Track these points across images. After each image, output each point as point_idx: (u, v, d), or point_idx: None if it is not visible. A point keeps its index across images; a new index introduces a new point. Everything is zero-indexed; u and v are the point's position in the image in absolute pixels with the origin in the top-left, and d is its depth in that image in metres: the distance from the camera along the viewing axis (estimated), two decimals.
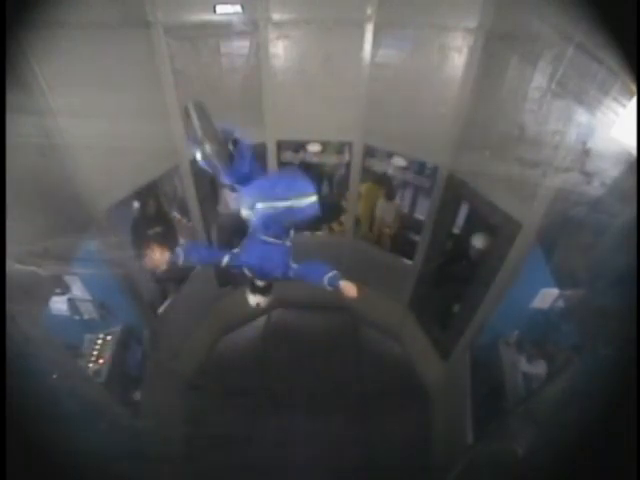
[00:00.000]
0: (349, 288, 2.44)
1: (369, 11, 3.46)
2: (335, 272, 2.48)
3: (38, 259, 2.10)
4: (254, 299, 2.91)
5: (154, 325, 4.01)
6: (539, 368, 3.32)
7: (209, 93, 3.65)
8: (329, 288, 2.46)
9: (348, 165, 4.66)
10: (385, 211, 5.23)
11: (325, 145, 4.72)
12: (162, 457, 3.81)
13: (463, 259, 4.37)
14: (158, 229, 4.57)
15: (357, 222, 5.21)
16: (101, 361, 3.36)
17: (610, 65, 1.90)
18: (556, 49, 2.34)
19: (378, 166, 4.65)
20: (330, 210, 5.37)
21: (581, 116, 2.27)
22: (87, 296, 3.37)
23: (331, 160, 4.82)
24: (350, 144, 4.41)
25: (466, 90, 3.31)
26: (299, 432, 4.53)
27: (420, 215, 5.64)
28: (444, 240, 4.27)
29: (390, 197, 5.22)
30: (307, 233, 5.25)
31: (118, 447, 2.99)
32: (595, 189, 2.25)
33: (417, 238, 4.72)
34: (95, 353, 3.42)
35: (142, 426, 3.35)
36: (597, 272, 2.06)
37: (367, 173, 4.77)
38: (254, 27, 3.53)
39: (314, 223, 4.65)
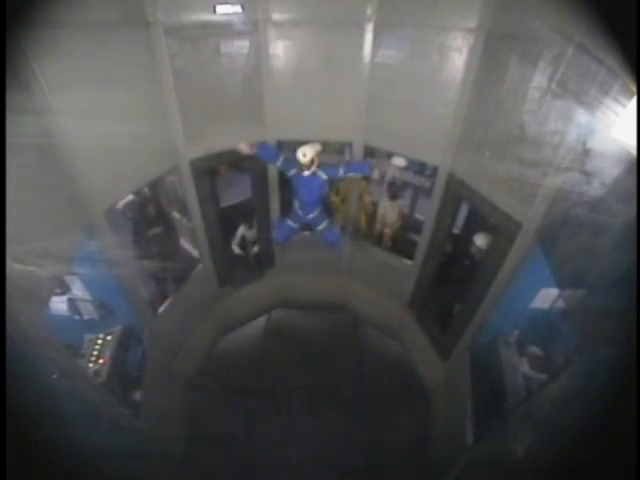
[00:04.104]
0: None
1: (369, 11, 3.46)
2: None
3: (38, 259, 2.10)
4: None
5: (154, 325, 4.01)
6: (540, 371, 3.31)
7: (209, 93, 3.66)
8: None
9: None
10: (387, 211, 5.23)
11: (325, 145, 4.72)
12: (162, 457, 3.81)
13: (463, 259, 4.37)
14: (158, 229, 4.57)
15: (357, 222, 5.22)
16: (101, 361, 3.36)
17: (610, 65, 1.90)
18: (556, 49, 2.34)
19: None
20: None
21: (581, 116, 2.27)
22: (87, 296, 3.37)
23: (331, 160, 4.82)
24: (350, 144, 4.41)
25: (466, 90, 3.31)
26: (299, 432, 4.53)
27: (420, 215, 5.65)
28: (444, 240, 4.27)
29: (393, 197, 5.22)
30: (307, 233, 5.25)
31: (118, 447, 2.99)
32: (595, 189, 2.24)
33: (417, 238, 4.72)
34: (95, 353, 3.41)
35: (142, 426, 3.35)
36: (597, 272, 2.06)
37: None
38: (254, 27, 3.53)
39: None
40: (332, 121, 4.12)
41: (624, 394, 1.45)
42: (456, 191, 3.71)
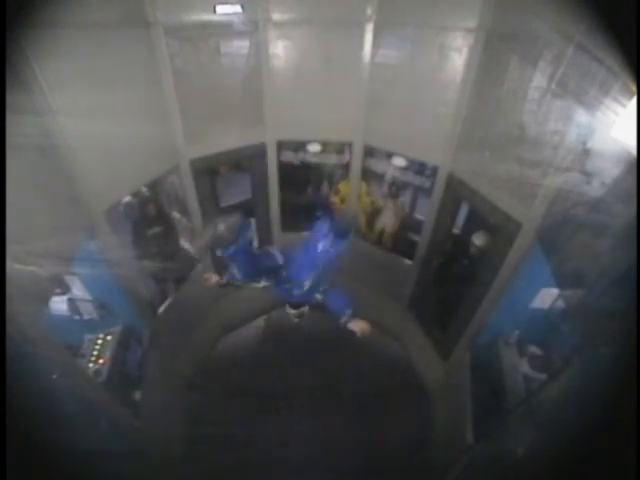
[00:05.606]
0: (361, 325, 2.83)
1: (369, 11, 3.46)
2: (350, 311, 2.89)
3: (38, 259, 2.10)
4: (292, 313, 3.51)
5: (154, 325, 4.01)
6: (540, 371, 3.31)
7: (209, 93, 3.66)
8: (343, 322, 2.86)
9: (348, 165, 4.67)
10: (387, 210, 5.22)
11: (325, 145, 4.72)
12: (162, 457, 3.81)
13: (463, 259, 4.37)
14: (158, 229, 4.57)
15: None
16: (101, 361, 3.36)
17: (610, 65, 1.90)
18: (556, 49, 2.34)
19: (378, 166, 4.65)
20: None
21: (581, 116, 2.27)
22: (87, 296, 3.36)
23: (331, 160, 4.82)
24: (350, 144, 4.41)
25: (466, 90, 3.31)
26: (299, 432, 4.52)
27: (420, 215, 5.64)
28: (444, 240, 4.27)
29: (393, 197, 5.22)
30: (306, 233, 5.25)
31: (118, 447, 2.99)
32: (595, 189, 2.24)
33: (417, 238, 4.72)
34: (95, 353, 3.41)
35: (142, 426, 3.35)
36: (597, 272, 2.06)
37: (367, 173, 4.77)
38: (254, 27, 3.53)
39: None
40: (332, 121, 4.13)
41: (624, 394, 1.44)
42: (456, 191, 3.72)
